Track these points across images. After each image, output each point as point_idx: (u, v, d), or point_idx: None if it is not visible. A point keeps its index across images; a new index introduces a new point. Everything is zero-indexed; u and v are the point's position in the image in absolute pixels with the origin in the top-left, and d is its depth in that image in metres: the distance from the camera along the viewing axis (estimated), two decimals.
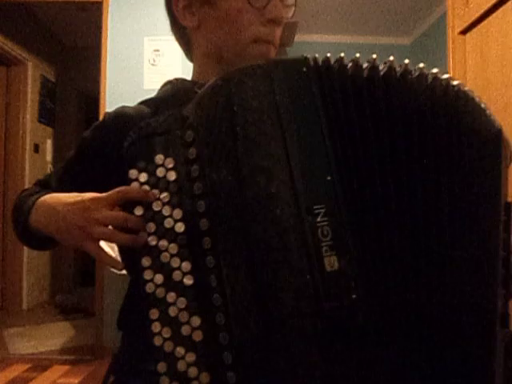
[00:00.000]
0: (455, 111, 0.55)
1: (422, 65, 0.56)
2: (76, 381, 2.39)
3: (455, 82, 0.56)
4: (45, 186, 0.78)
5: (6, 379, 2.40)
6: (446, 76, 0.56)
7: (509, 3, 1.64)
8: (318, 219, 0.51)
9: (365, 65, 0.55)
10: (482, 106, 0.55)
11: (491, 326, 0.52)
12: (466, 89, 0.56)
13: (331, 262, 0.50)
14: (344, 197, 0.52)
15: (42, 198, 0.66)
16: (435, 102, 0.55)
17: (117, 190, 0.57)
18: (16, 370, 2.53)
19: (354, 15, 3.90)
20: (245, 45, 0.71)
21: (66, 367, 2.58)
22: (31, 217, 0.67)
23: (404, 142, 0.54)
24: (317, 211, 0.51)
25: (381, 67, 0.55)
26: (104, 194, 0.58)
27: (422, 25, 4.05)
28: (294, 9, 0.75)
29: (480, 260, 0.53)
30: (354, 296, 0.50)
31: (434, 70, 0.56)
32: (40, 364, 2.62)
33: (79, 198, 0.59)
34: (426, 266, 0.53)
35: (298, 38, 3.32)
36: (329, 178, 0.52)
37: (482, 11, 1.77)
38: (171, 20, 0.79)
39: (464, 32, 1.92)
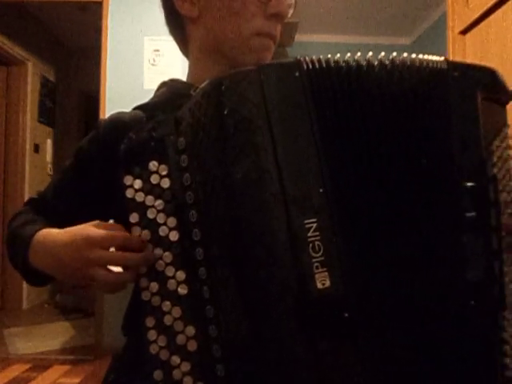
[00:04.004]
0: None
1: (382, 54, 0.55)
2: (76, 381, 2.39)
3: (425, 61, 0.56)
4: (40, 203, 0.76)
5: (6, 379, 2.40)
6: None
7: (509, 3, 1.64)
8: (310, 234, 0.50)
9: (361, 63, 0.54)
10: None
11: (486, 321, 0.54)
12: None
13: (322, 280, 0.49)
14: (337, 209, 0.51)
15: (36, 239, 0.64)
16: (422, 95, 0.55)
17: (115, 234, 0.55)
18: (16, 370, 2.53)
19: (354, 15, 3.90)
20: (247, 37, 0.70)
21: (66, 367, 2.58)
22: (30, 257, 0.64)
23: (400, 147, 0.54)
24: (308, 226, 0.50)
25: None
26: (99, 234, 0.56)
27: (421, 25, 4.05)
28: (292, 10, 0.74)
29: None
30: (346, 315, 0.49)
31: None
32: (40, 364, 2.62)
33: (72, 237, 0.57)
34: (422, 280, 0.53)
35: (298, 37, 3.32)
36: (321, 190, 0.51)
37: (481, 11, 1.77)
38: (167, 10, 0.77)
39: (464, 32, 1.92)
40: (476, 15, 1.81)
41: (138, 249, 0.54)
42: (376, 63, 0.54)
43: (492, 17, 1.74)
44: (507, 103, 0.59)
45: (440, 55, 0.58)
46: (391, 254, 0.53)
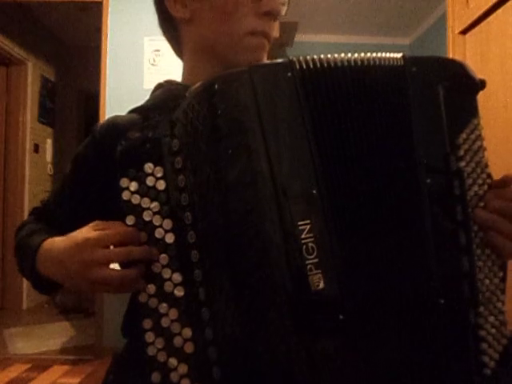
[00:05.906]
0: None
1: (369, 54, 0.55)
2: (76, 381, 2.39)
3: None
4: (43, 212, 0.77)
5: (6, 379, 2.40)
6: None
7: (509, 3, 1.64)
8: (303, 236, 0.49)
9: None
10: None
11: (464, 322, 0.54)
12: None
13: (316, 282, 0.49)
14: (330, 210, 0.51)
15: (42, 248, 0.64)
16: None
17: (111, 232, 0.55)
18: (16, 370, 2.53)
19: (354, 15, 3.90)
20: (240, 37, 0.69)
21: (66, 367, 2.58)
22: (38, 267, 0.65)
23: (373, 147, 0.54)
24: (302, 227, 0.50)
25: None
26: (97, 234, 0.56)
27: (421, 25, 4.04)
28: (286, 8, 0.74)
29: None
30: (341, 317, 0.49)
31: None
32: (40, 364, 2.62)
33: (72, 242, 0.57)
34: (397, 279, 0.53)
35: (297, 37, 3.33)
36: (314, 191, 0.51)
37: (481, 11, 1.77)
38: (160, 13, 0.77)
39: (464, 32, 1.92)
40: (476, 15, 1.81)
41: (135, 243, 0.54)
42: (352, 62, 0.54)
43: (492, 17, 1.74)
44: (477, 93, 0.58)
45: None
46: (384, 254, 0.52)
